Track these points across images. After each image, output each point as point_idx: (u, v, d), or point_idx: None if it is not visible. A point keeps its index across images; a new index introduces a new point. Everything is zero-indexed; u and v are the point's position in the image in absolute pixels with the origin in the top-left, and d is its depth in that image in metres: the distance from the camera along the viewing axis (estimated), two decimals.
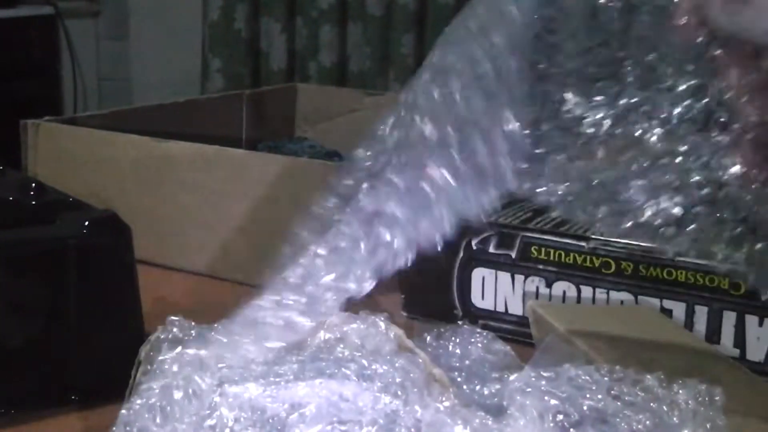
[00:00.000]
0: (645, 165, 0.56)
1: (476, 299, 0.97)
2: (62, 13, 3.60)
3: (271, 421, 0.64)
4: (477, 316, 0.97)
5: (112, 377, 0.73)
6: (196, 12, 3.45)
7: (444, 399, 0.64)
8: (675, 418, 0.64)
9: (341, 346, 0.74)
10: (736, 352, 0.86)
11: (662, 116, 0.54)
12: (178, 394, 0.65)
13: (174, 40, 3.68)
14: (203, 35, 3.42)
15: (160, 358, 0.68)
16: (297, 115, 1.73)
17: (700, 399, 0.66)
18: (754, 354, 0.86)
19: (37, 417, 0.78)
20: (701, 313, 0.88)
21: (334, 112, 1.70)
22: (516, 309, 0.96)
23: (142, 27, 3.83)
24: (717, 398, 0.66)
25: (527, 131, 0.59)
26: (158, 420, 0.63)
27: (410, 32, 3.11)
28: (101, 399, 0.77)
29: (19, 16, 3.48)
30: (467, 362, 0.78)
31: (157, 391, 0.65)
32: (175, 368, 0.67)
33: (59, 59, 3.66)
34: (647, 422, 0.63)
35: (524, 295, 0.95)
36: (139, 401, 0.65)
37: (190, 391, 0.66)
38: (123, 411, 0.64)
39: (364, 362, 0.69)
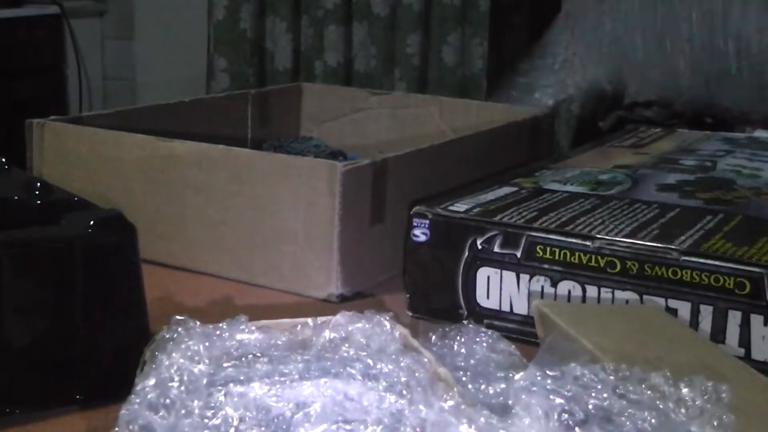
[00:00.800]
0: None
1: (481, 299, 0.97)
2: (68, 12, 3.61)
3: (276, 420, 0.64)
4: (482, 316, 0.97)
5: (117, 377, 0.73)
6: (202, 11, 3.45)
7: (449, 398, 0.64)
8: (682, 416, 0.64)
9: (346, 345, 0.74)
10: (741, 351, 0.86)
11: None
12: (174, 385, 0.65)
13: (179, 39, 3.68)
14: (208, 35, 3.42)
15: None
16: (302, 114, 1.73)
17: (706, 396, 0.66)
18: (760, 353, 0.86)
19: (42, 417, 0.78)
20: (706, 312, 0.88)
21: (339, 111, 1.70)
22: (521, 308, 0.95)
23: (148, 26, 3.83)
24: (724, 395, 0.66)
25: None
26: (161, 413, 0.64)
27: (415, 32, 3.11)
28: (106, 399, 0.77)
29: (25, 15, 3.49)
30: (472, 361, 0.78)
31: (153, 386, 0.65)
32: (166, 362, 0.67)
33: (64, 59, 3.67)
34: (653, 420, 0.63)
35: (529, 294, 0.95)
36: (137, 400, 0.65)
37: (185, 378, 0.66)
38: (123, 411, 0.64)
39: (369, 361, 0.69)
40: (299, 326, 0.77)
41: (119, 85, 3.88)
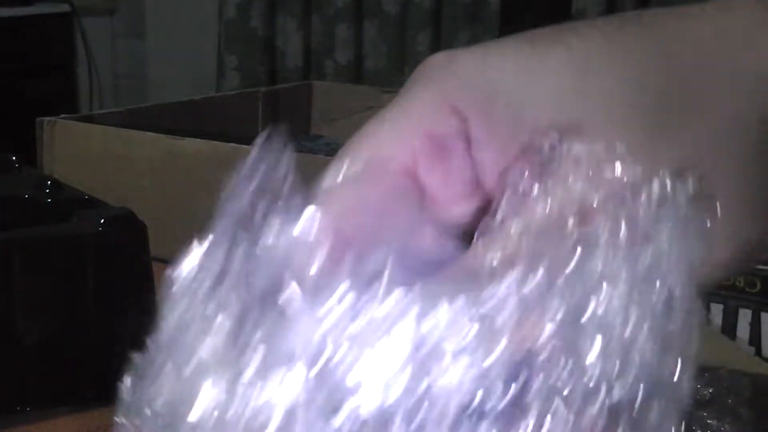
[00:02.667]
0: None
1: None
2: (79, 10, 3.61)
3: None
4: None
5: None
6: (212, 10, 3.45)
7: None
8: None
9: None
10: (752, 349, 0.86)
11: None
12: None
13: (190, 37, 3.69)
14: (219, 33, 3.42)
15: None
16: (313, 113, 1.73)
17: (724, 391, 0.65)
18: None
19: (53, 414, 0.79)
20: (717, 310, 0.87)
21: (350, 110, 1.70)
22: None
23: (159, 25, 3.83)
24: (743, 391, 0.65)
25: None
26: None
27: (426, 30, 3.11)
28: (117, 397, 0.77)
29: (36, 13, 3.50)
30: None
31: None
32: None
33: (75, 57, 3.67)
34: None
35: None
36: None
37: None
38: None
39: None
40: None
41: (130, 84, 3.88)
